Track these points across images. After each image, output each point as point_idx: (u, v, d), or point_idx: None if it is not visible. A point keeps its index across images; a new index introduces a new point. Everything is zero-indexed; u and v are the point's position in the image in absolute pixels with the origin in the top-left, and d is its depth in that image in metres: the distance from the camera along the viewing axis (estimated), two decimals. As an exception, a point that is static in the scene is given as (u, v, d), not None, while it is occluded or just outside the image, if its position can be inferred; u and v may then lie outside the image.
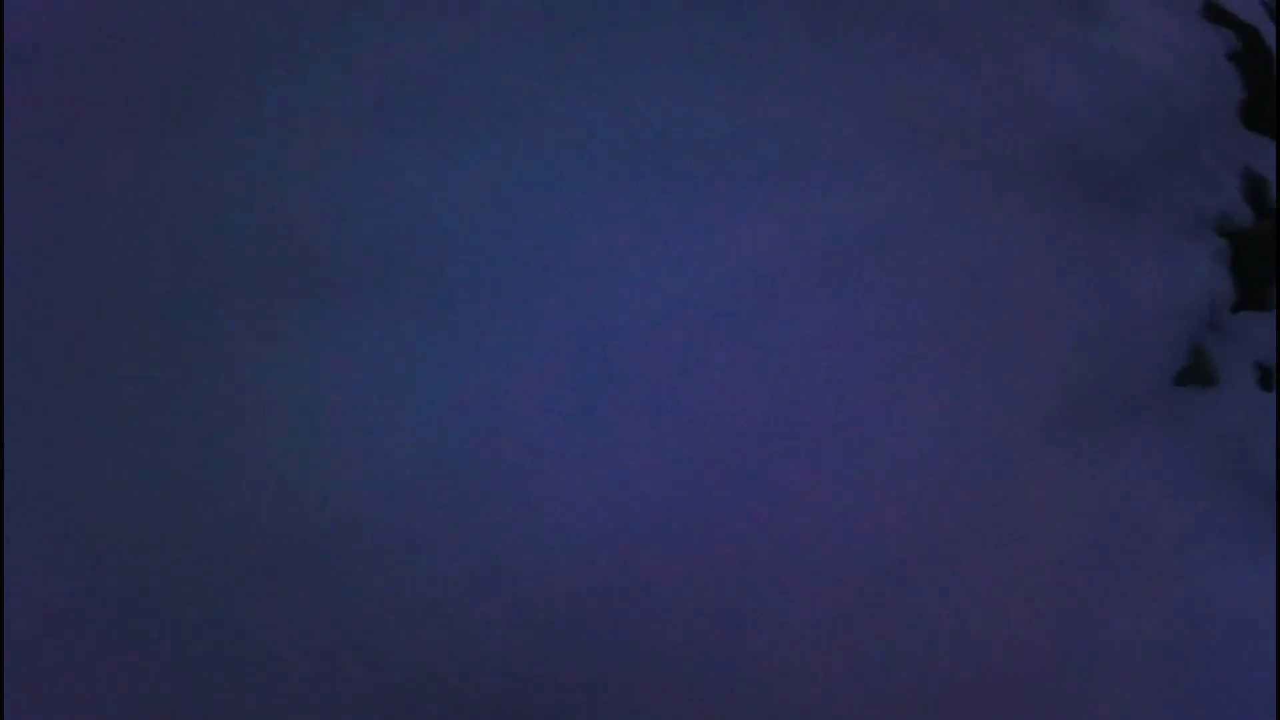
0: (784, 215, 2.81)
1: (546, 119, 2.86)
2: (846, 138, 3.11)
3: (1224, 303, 3.55)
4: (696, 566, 2.14)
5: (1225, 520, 2.81)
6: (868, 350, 2.65)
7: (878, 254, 2.85)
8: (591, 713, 1.98)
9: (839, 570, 2.25)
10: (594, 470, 2.17)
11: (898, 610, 2.26)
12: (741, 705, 2.10)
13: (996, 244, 3.03)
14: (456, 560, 2.00)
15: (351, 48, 2.84)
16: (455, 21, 3.13)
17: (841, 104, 3.21)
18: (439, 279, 2.42)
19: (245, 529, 1.93)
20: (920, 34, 3.62)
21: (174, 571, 1.86)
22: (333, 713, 1.83)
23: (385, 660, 1.88)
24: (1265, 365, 3.44)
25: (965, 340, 2.79)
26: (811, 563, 2.22)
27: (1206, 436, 3.08)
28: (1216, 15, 4.84)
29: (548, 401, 2.25)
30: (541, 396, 2.26)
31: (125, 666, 1.78)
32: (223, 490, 1.97)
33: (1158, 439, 2.97)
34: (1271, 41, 4.91)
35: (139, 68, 2.70)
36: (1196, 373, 3.25)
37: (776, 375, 2.50)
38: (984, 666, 2.29)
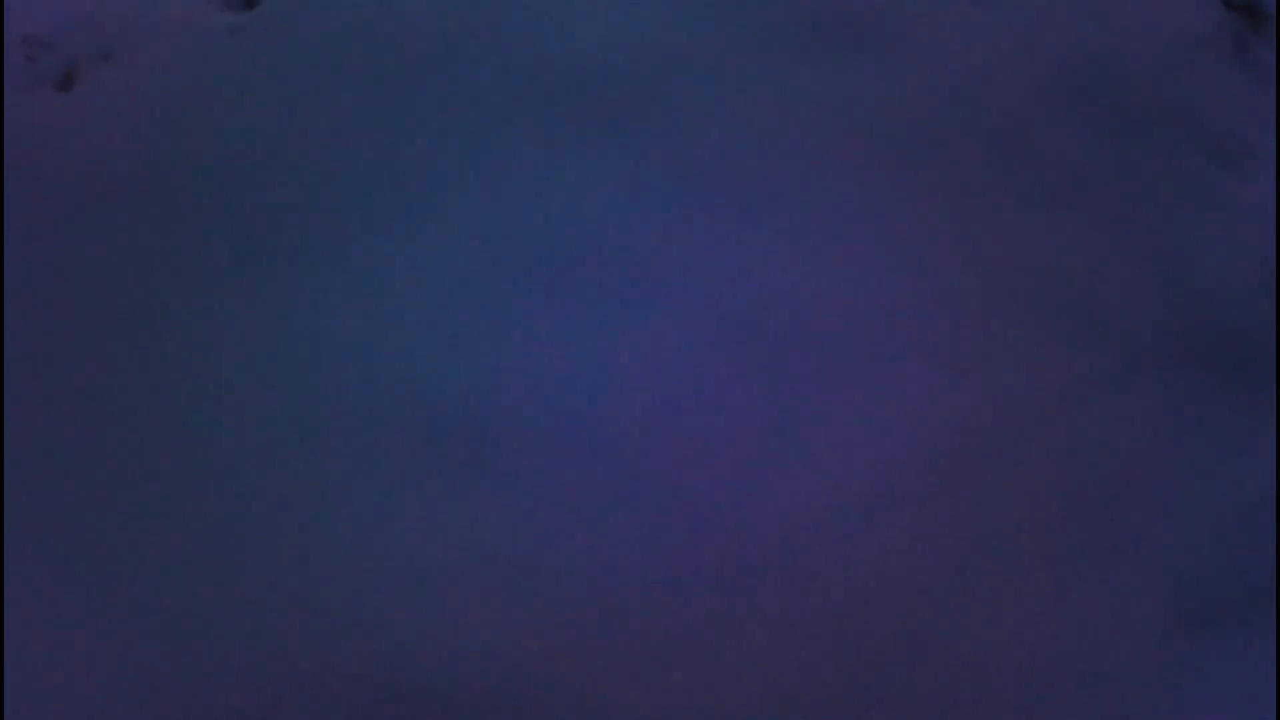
0: (906, 406, 2.84)
1: (665, 287, 2.98)
2: (974, 316, 3.09)
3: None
4: None
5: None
6: (987, 548, 2.74)
7: (1002, 447, 2.84)
8: None
9: None
10: None
11: None
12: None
13: (1127, 434, 2.98)
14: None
15: (479, 201, 3.07)
16: (587, 180, 3.33)
17: (969, 278, 3.19)
18: (543, 449, 2.61)
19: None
20: (1056, 193, 3.57)
21: None
22: None
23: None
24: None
25: (1085, 540, 2.83)
26: None
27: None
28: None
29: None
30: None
31: None
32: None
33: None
34: None
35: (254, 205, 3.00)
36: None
37: (903, 574, 2.63)
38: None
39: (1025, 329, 3.12)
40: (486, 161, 3.40)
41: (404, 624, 2.46)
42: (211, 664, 2.36)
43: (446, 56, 3.78)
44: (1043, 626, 2.65)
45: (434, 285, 3.06)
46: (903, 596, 2.62)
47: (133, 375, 2.93)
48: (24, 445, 2.77)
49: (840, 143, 3.48)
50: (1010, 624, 2.64)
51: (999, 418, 2.90)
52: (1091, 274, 3.35)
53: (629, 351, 2.90)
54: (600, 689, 2.41)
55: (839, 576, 2.62)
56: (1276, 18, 5.49)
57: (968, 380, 2.96)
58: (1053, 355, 3.09)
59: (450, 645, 2.42)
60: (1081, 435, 2.93)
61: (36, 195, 3.51)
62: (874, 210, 3.31)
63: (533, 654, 2.42)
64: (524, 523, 2.63)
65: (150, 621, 2.45)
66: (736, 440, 2.76)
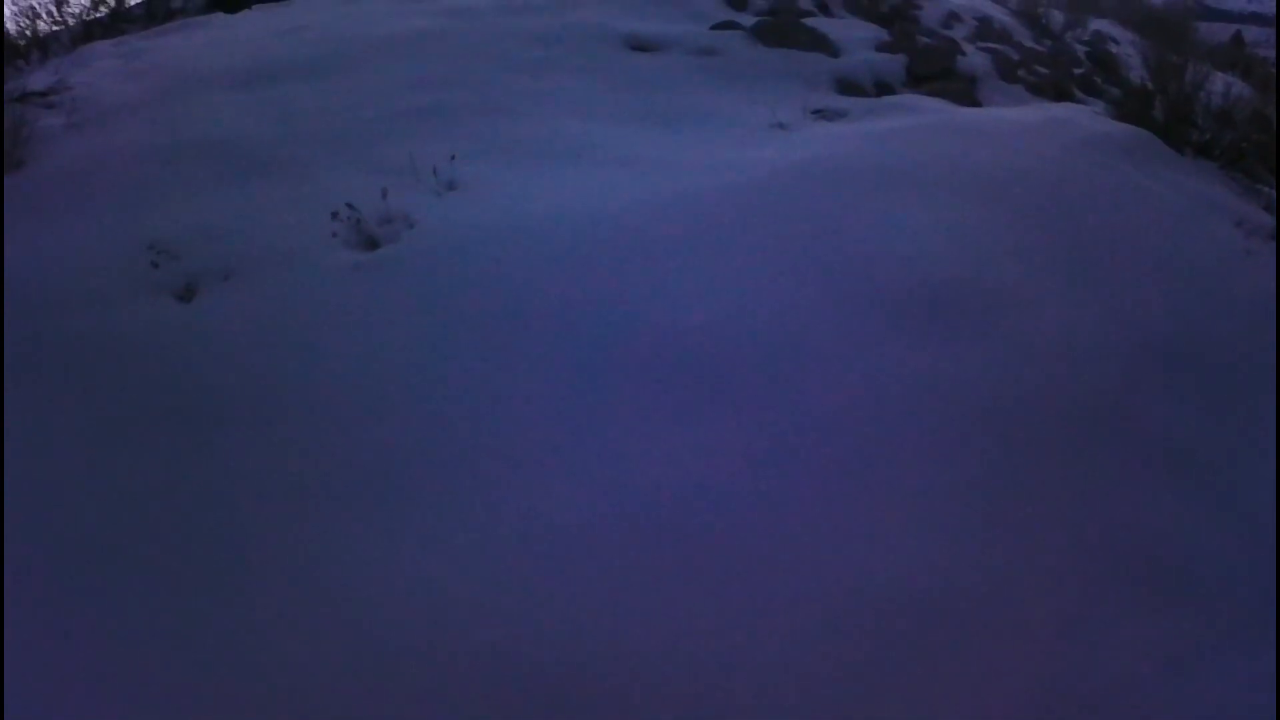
0: (1013, 683, 2.89)
1: (771, 569, 3.06)
2: (1076, 592, 3.16)
3: None
4: None
5: None
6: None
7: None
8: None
9: None
10: None
11: None
12: None
13: (1231, 701, 2.98)
14: None
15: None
16: (683, 453, 3.42)
17: (1070, 553, 3.27)
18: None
19: None
20: (1154, 464, 3.68)
21: None
22: None
23: None
24: None
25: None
26: None
27: None
28: None
29: None
30: None
31: None
32: None
33: None
34: None
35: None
36: None
37: None
38: None
39: (1126, 601, 3.18)
40: (579, 423, 3.55)
41: None
42: None
43: (557, 319, 4.02)
44: None
45: (527, 549, 3.12)
46: None
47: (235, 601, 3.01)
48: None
49: (937, 421, 3.60)
50: None
51: (1103, 688, 2.92)
52: (1190, 543, 3.43)
53: (741, 634, 2.91)
54: None
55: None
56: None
57: (1072, 654, 2.99)
58: (1154, 625, 3.13)
59: None
60: (1187, 701, 2.94)
61: (144, 400, 3.67)
62: (974, 489, 3.40)
63: None
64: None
65: None
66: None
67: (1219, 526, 3.53)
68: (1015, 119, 6.70)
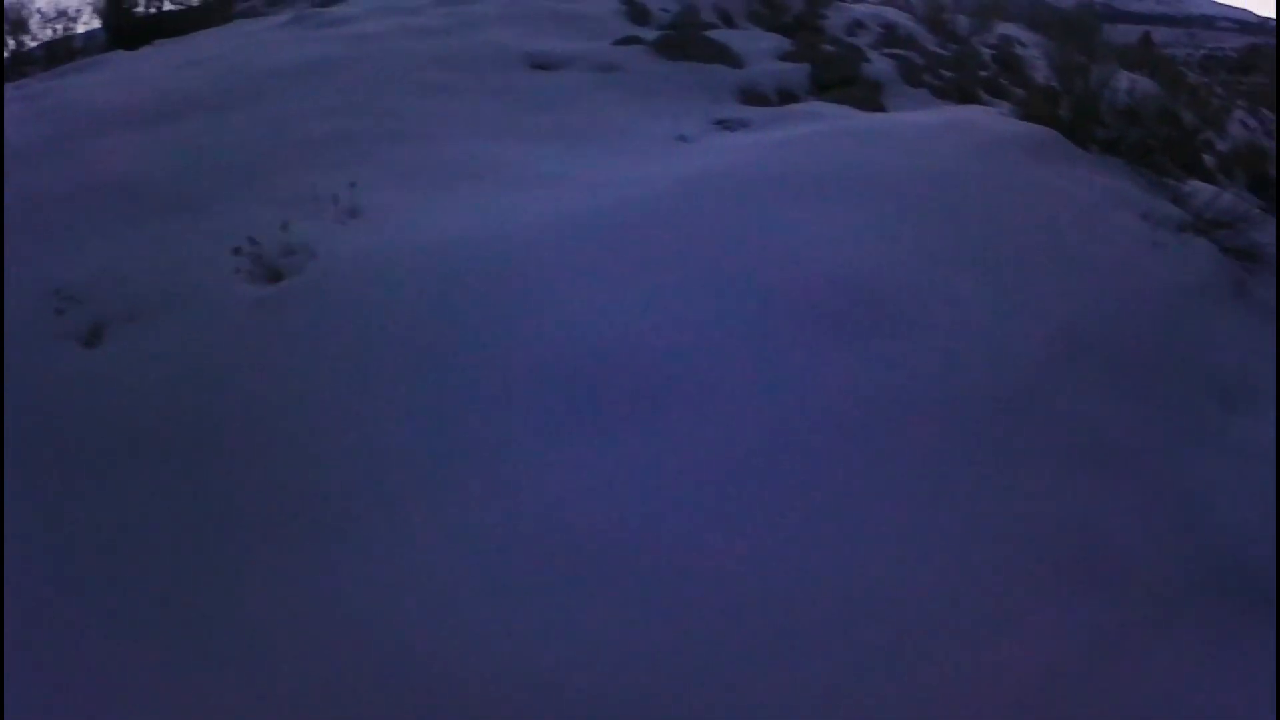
0: (941, 670, 2.91)
1: (680, 580, 3.07)
2: (1003, 580, 3.19)
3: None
4: None
5: None
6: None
7: (1041, 706, 2.91)
8: None
9: None
10: None
11: None
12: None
13: (1163, 681, 3.04)
14: None
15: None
16: (594, 475, 3.41)
17: (995, 542, 3.29)
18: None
19: None
20: (1074, 451, 3.71)
21: None
22: None
23: None
24: None
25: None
26: None
27: None
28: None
29: None
30: None
31: None
32: None
33: None
34: None
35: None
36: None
37: None
38: None
39: (1053, 588, 3.22)
40: (495, 447, 3.54)
41: None
42: None
43: (458, 343, 4.00)
44: None
45: (441, 564, 3.15)
46: None
47: (146, 636, 3.05)
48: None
49: (861, 421, 3.63)
50: None
51: (1033, 678, 2.97)
52: (1113, 528, 3.48)
53: (639, 649, 2.91)
54: None
55: None
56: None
57: (1001, 641, 3.03)
58: (1082, 611, 3.17)
59: None
60: (1118, 687, 3.00)
61: (55, 447, 3.69)
62: (898, 485, 3.44)
63: None
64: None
65: None
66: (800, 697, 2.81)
67: (1142, 514, 3.58)
68: (918, 122, 6.74)
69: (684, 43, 9.23)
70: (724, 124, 7.37)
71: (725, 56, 9.21)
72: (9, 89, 9.15)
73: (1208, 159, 12.03)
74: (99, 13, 12.09)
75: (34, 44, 11.98)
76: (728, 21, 11.04)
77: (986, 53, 13.92)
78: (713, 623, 2.96)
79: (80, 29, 12.26)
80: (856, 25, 12.13)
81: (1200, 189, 6.79)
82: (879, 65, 10.20)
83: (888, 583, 3.10)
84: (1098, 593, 3.23)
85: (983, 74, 12.12)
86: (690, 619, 2.97)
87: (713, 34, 9.83)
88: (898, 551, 3.20)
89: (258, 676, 2.93)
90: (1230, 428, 4.20)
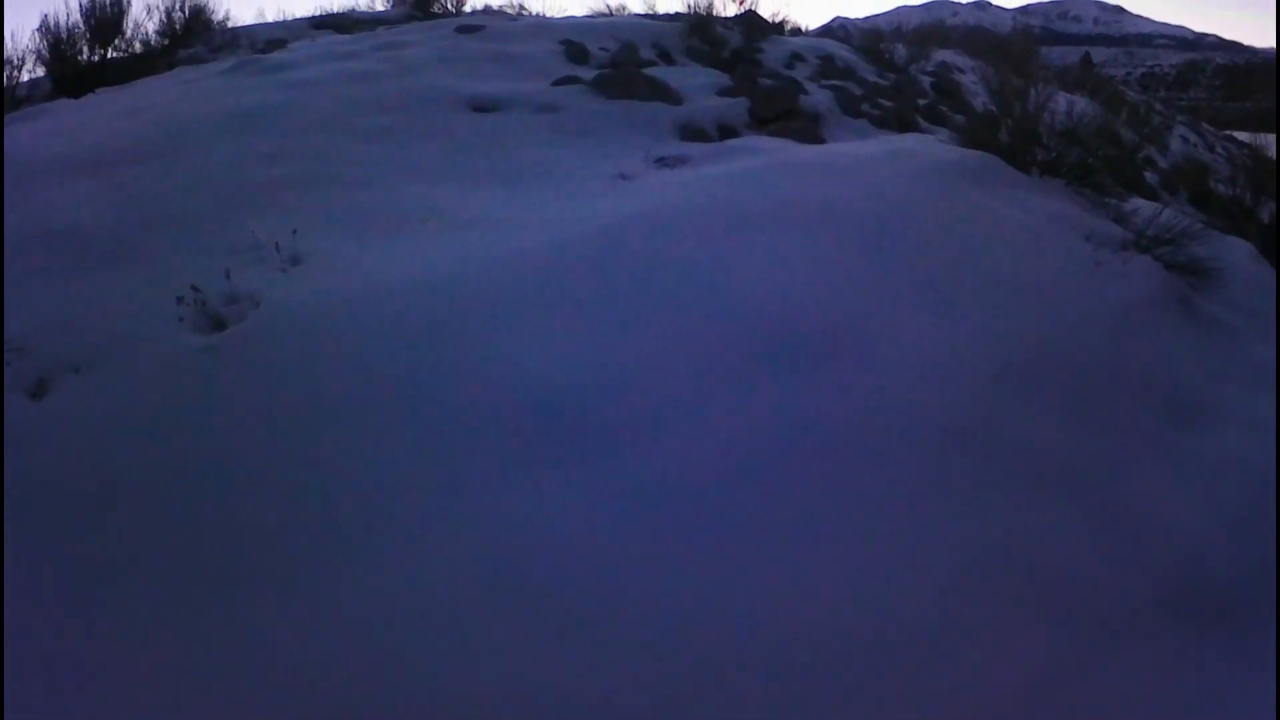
0: (896, 705, 2.92)
1: (629, 612, 3.09)
2: (953, 608, 3.20)
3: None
4: None
5: None
6: None
7: None
8: None
9: None
10: None
11: None
12: None
13: (1121, 701, 3.06)
14: None
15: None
16: (545, 506, 3.42)
17: (943, 570, 3.30)
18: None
19: None
20: (1020, 475, 3.73)
21: None
22: None
23: None
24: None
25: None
26: None
27: None
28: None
29: None
30: None
31: None
32: None
33: None
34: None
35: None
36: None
37: None
38: None
39: (1003, 613, 3.24)
40: (446, 488, 3.58)
41: None
42: None
43: (404, 386, 4.04)
44: None
45: (398, 609, 3.16)
46: None
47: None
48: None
49: (804, 454, 3.66)
50: None
51: (986, 703, 2.99)
52: (1063, 550, 3.50)
53: (588, 671, 2.95)
54: None
55: None
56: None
57: (950, 669, 3.04)
58: (1033, 635, 3.19)
59: None
60: (1072, 710, 3.03)
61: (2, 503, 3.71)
62: (844, 515, 3.46)
63: None
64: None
65: None
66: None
67: (1092, 535, 3.61)
68: (856, 153, 6.84)
69: (623, 81, 9.37)
70: (664, 161, 7.48)
71: (664, 94, 9.35)
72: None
73: (1149, 176, 12.29)
74: (43, 61, 12.14)
75: (-22, 96, 11.98)
76: (666, 59, 11.21)
77: (925, 80, 14.16)
78: (653, 657, 2.99)
79: (25, 76, 12.29)
80: (795, 58, 12.33)
81: (1142, 207, 6.94)
82: (817, 97, 10.36)
83: (835, 613, 3.13)
84: (1049, 616, 3.26)
85: (922, 102, 12.34)
86: (634, 656, 2.99)
87: (651, 71, 9.98)
88: (845, 581, 3.23)
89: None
90: (1180, 445, 4.25)
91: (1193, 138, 23.77)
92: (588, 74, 9.70)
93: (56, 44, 11.95)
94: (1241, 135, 23.94)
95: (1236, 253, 6.80)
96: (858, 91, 11.25)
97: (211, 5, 14.48)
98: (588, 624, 3.08)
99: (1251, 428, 4.49)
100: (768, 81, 10.40)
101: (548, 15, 16.11)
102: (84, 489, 3.71)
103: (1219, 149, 23.54)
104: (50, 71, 12.03)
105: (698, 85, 9.91)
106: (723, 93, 9.86)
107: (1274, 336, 5.51)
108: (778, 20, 15.36)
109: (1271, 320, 5.78)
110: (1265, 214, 9.20)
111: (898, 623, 3.14)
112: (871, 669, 3.00)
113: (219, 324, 4.57)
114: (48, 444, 3.95)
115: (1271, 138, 12.25)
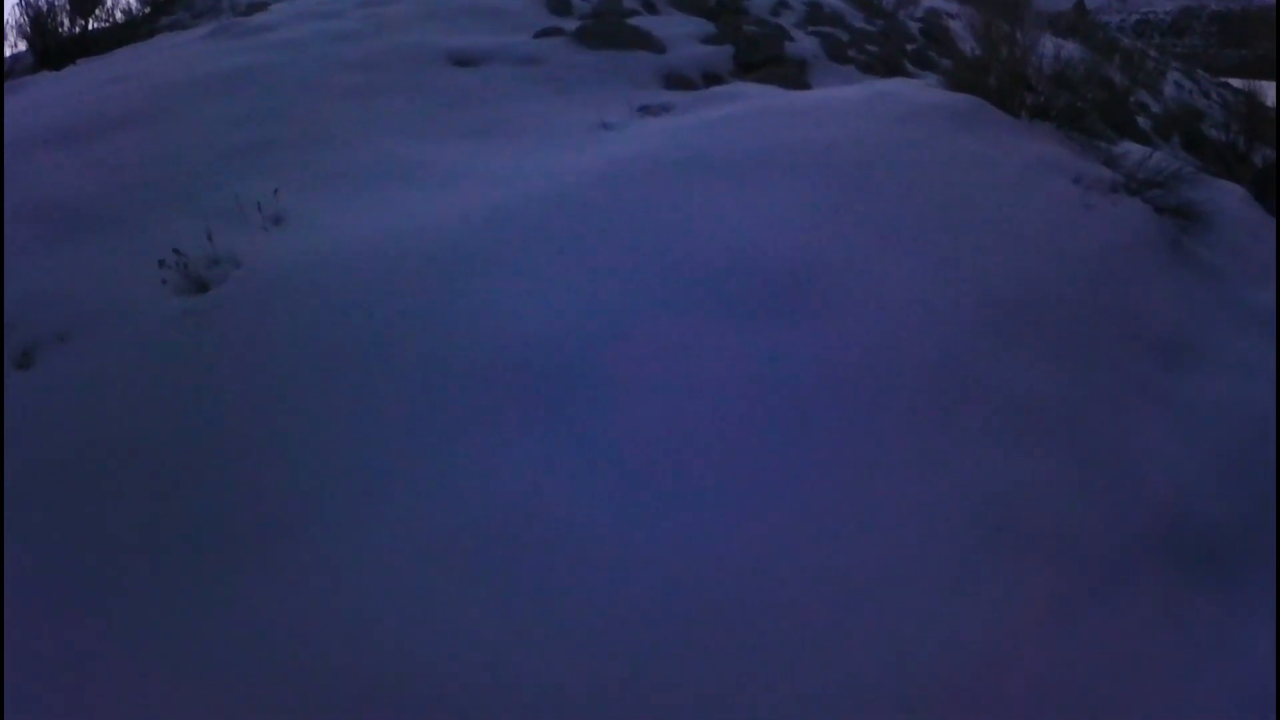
0: (890, 641, 2.95)
1: (611, 568, 3.11)
2: (944, 552, 3.22)
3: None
4: None
5: None
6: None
7: (991, 674, 2.95)
8: None
9: None
10: None
11: None
12: None
13: (1110, 644, 3.09)
14: None
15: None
16: (529, 464, 3.42)
17: (934, 516, 3.31)
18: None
19: None
20: (1008, 420, 3.72)
21: None
22: None
23: None
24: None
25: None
26: None
27: None
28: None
29: None
30: None
31: None
32: None
33: None
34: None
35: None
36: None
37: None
38: None
39: (995, 557, 3.24)
40: (431, 447, 3.57)
41: None
42: None
43: (389, 341, 4.02)
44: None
45: (385, 568, 3.16)
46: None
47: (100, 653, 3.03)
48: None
49: (787, 400, 3.66)
50: None
51: (984, 647, 3.01)
52: (1052, 495, 3.50)
53: (571, 633, 2.97)
54: None
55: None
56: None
57: (941, 615, 3.06)
58: (1027, 579, 3.20)
59: None
60: (1066, 653, 3.05)
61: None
62: (829, 462, 3.47)
63: None
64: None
65: None
66: (734, 687, 2.84)
67: (1081, 479, 3.62)
68: (842, 97, 6.78)
69: (605, 31, 9.29)
70: (647, 110, 7.43)
71: (647, 43, 9.29)
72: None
73: (1143, 121, 12.25)
74: (24, 35, 12.07)
75: (-41, 71, 11.91)
76: (649, 8, 11.13)
77: (914, 26, 14.07)
78: (635, 606, 2.99)
79: (7, 51, 12.23)
80: (781, 5, 12.24)
81: (1132, 150, 6.86)
82: (804, 43, 10.29)
83: (822, 562, 3.13)
84: (1038, 561, 3.26)
85: (910, 47, 12.26)
86: (615, 605, 3.01)
87: (635, 21, 9.89)
88: (831, 530, 3.23)
89: (201, 689, 2.93)
90: (1169, 387, 4.25)
91: (1187, 84, 23.67)
92: (570, 25, 9.61)
93: (38, 17, 11.87)
94: (1236, 82, 23.91)
95: (1228, 196, 6.77)
96: (845, 37, 11.18)
97: (192, -29, 14.35)
98: (568, 572, 3.10)
99: (1242, 370, 4.49)
100: (753, 28, 10.33)
101: (530, -33, 15.90)
102: (67, 456, 3.69)
103: (1214, 95, 23.46)
104: (31, 45, 11.96)
105: (682, 34, 9.83)
106: (707, 40, 9.79)
107: (1265, 279, 5.50)
108: (764, -33, 15.21)
109: (1262, 263, 5.77)
110: (1259, 159, 9.16)
111: (887, 567, 3.16)
112: (863, 614, 3.02)
113: (201, 286, 4.55)
114: (34, 413, 3.92)
115: (1265, 84, 12.24)
